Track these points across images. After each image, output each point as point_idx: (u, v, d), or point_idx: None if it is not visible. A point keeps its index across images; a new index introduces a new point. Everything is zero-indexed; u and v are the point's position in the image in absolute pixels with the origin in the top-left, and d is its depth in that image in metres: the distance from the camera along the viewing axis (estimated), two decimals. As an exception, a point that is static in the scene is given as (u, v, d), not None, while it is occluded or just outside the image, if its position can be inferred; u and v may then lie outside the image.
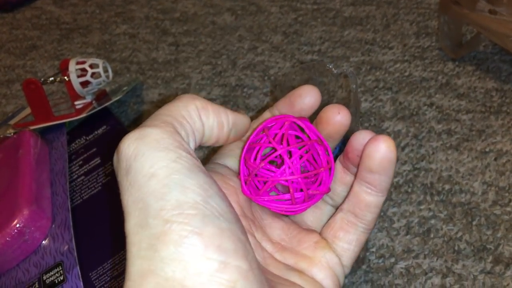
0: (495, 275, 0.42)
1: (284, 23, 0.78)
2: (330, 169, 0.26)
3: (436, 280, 0.43)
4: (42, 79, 0.59)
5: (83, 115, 0.59)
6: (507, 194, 0.48)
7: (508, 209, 0.47)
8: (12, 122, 0.62)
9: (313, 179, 0.26)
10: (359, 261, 0.45)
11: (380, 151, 0.24)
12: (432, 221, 0.47)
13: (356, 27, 0.74)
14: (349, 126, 0.39)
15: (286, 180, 0.25)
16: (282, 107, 0.28)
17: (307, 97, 0.27)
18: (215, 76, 0.70)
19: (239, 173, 0.26)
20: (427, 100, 0.59)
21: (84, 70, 0.59)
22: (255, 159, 0.26)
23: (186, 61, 0.74)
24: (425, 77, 0.63)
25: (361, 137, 0.25)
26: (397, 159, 0.53)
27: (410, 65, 0.65)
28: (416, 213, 0.48)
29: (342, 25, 0.75)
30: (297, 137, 0.27)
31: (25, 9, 0.95)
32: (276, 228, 0.26)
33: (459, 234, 0.46)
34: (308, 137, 0.26)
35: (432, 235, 0.46)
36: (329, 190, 0.27)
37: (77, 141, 0.59)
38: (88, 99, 0.62)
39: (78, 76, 0.59)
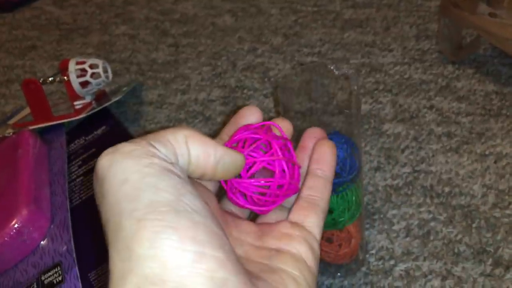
0: (495, 278, 0.42)
1: (284, 25, 0.78)
2: (299, 167, 0.28)
3: (436, 282, 0.43)
4: (42, 79, 0.59)
5: (83, 115, 0.58)
6: (506, 197, 0.48)
7: (508, 212, 0.47)
8: (11, 121, 0.62)
9: (291, 172, 0.27)
10: (359, 263, 0.45)
11: (327, 151, 0.29)
12: (432, 224, 0.47)
13: (356, 30, 0.74)
14: (350, 128, 0.39)
15: (273, 161, 0.26)
16: (229, 131, 0.29)
17: (250, 117, 0.28)
18: (215, 77, 0.70)
19: None
20: (427, 103, 0.59)
21: (83, 70, 0.59)
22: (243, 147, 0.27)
23: (186, 62, 0.74)
24: (425, 79, 0.63)
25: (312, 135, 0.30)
26: (397, 162, 0.53)
27: (410, 68, 0.65)
28: (416, 215, 0.48)
29: (342, 27, 0.75)
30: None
31: (24, 9, 0.95)
32: (251, 225, 0.27)
33: (459, 236, 0.45)
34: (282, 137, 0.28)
35: (431, 238, 0.46)
36: (298, 189, 0.28)
37: (76, 142, 0.59)
38: (88, 99, 0.62)
39: (78, 76, 0.59)
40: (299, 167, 0.28)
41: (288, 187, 0.27)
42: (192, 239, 0.18)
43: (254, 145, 0.26)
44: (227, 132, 0.29)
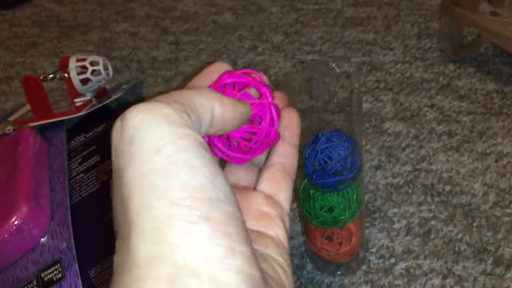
0: (496, 277, 0.42)
1: (285, 23, 0.78)
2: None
3: (436, 281, 0.43)
4: (42, 76, 0.59)
5: (83, 112, 0.58)
6: (507, 196, 0.48)
7: (509, 210, 0.47)
8: (11, 118, 0.62)
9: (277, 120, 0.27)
10: (359, 261, 0.45)
11: (295, 118, 0.28)
12: (433, 222, 0.47)
13: (357, 28, 0.73)
14: (351, 126, 0.39)
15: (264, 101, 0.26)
16: (200, 81, 0.27)
17: (214, 74, 0.27)
18: (216, 75, 0.70)
19: None
20: (428, 101, 0.59)
21: (84, 67, 0.59)
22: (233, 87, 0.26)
23: (187, 60, 0.74)
24: (426, 78, 0.63)
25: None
26: (398, 160, 0.53)
27: (411, 66, 0.65)
28: (417, 214, 0.48)
29: (343, 25, 0.75)
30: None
31: (25, 7, 0.95)
32: None
33: (460, 235, 0.45)
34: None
35: (432, 236, 0.46)
36: (279, 139, 0.28)
37: (76, 139, 0.59)
38: (88, 96, 0.62)
39: (78, 74, 0.59)
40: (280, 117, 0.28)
41: (275, 135, 0.26)
42: (223, 233, 0.18)
43: (245, 89, 0.25)
44: (198, 82, 0.27)
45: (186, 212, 0.18)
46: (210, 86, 0.26)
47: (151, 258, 0.17)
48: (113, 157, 0.20)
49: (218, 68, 0.27)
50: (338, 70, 0.37)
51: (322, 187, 0.38)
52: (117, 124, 0.19)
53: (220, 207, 0.18)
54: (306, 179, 0.39)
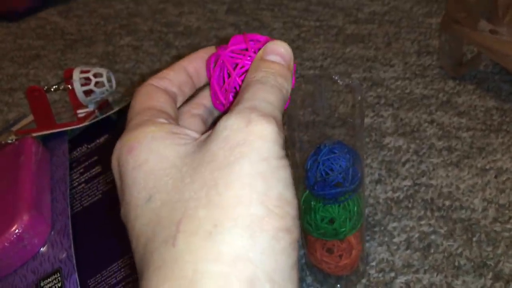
0: (496, 292, 0.42)
1: (287, 39, 0.79)
2: None
3: (436, 295, 0.42)
4: (46, 87, 0.60)
5: (85, 123, 0.59)
6: (507, 211, 0.48)
7: (509, 226, 0.47)
8: (14, 128, 0.62)
9: None
10: (359, 274, 0.45)
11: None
12: (433, 237, 0.47)
13: (358, 45, 0.74)
14: (353, 139, 0.39)
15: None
16: (190, 62, 0.27)
17: (204, 55, 0.27)
18: (218, 88, 0.70)
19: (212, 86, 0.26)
20: (428, 117, 0.60)
21: (88, 79, 0.60)
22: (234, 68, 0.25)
23: (189, 73, 0.75)
24: (426, 94, 0.63)
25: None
26: (398, 175, 0.53)
27: (411, 83, 0.65)
28: (417, 228, 0.48)
29: (344, 42, 0.76)
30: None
31: (30, 19, 0.96)
32: None
33: (459, 250, 0.45)
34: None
35: (432, 251, 0.46)
36: None
37: (78, 149, 0.59)
38: (91, 108, 0.62)
39: (82, 85, 0.59)
40: None
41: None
42: None
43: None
44: (187, 63, 0.27)
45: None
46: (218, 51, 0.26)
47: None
48: None
49: (207, 51, 0.27)
50: (341, 83, 0.37)
51: (323, 198, 0.39)
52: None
53: None
54: (308, 191, 0.40)
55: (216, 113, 0.28)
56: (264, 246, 0.18)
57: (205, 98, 0.27)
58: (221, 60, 0.25)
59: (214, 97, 0.26)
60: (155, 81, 0.25)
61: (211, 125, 0.27)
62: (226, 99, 0.25)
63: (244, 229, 0.18)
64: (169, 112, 0.24)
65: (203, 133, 0.23)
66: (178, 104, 0.26)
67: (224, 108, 0.26)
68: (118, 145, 0.22)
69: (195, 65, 0.26)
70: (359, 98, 0.35)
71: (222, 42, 0.80)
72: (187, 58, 0.27)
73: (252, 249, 0.18)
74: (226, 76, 0.25)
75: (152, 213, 0.19)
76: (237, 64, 0.25)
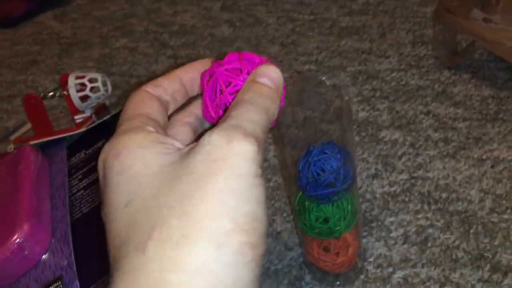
0: (493, 284, 0.42)
1: (281, 34, 0.79)
2: None
3: (434, 289, 0.43)
4: (42, 94, 0.60)
5: (83, 129, 0.59)
6: (504, 202, 0.48)
7: (505, 216, 0.47)
8: (12, 137, 0.63)
9: None
10: (357, 271, 0.45)
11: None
12: (430, 230, 0.47)
13: (353, 37, 0.74)
14: (344, 137, 0.39)
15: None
16: (186, 73, 0.28)
17: (200, 66, 0.28)
18: (214, 88, 0.70)
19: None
20: (424, 109, 0.59)
21: (83, 84, 0.60)
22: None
23: (185, 73, 0.75)
24: (421, 85, 0.63)
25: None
26: (394, 168, 0.53)
27: (407, 74, 0.65)
28: (414, 222, 0.48)
29: (339, 35, 0.75)
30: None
31: (26, 25, 0.97)
32: None
33: (457, 242, 0.46)
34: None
35: (429, 244, 0.46)
36: None
37: (77, 155, 0.59)
38: (88, 113, 0.62)
39: (77, 91, 0.60)
40: None
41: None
42: None
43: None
44: (182, 73, 0.28)
45: None
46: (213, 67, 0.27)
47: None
48: None
49: (203, 64, 0.28)
50: (328, 83, 0.37)
51: (316, 198, 0.39)
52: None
53: None
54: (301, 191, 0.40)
55: (206, 123, 0.28)
56: (227, 259, 0.19)
57: (196, 108, 0.28)
58: (215, 77, 0.26)
59: (205, 110, 0.27)
60: (150, 88, 0.26)
61: (198, 137, 0.28)
62: (216, 114, 0.26)
63: (210, 241, 0.18)
64: (159, 120, 0.25)
65: (191, 143, 0.24)
66: (170, 111, 0.27)
67: (213, 121, 0.26)
68: (107, 148, 0.23)
69: (190, 76, 0.27)
70: (347, 98, 0.35)
71: (216, 40, 0.80)
72: (183, 68, 0.28)
73: (215, 261, 0.18)
74: (218, 92, 0.26)
75: (129, 217, 0.20)
76: (230, 83, 0.26)
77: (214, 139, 0.20)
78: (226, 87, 0.26)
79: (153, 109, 0.25)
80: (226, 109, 0.26)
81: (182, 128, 0.27)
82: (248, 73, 0.26)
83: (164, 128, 0.25)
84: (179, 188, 0.20)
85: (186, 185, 0.20)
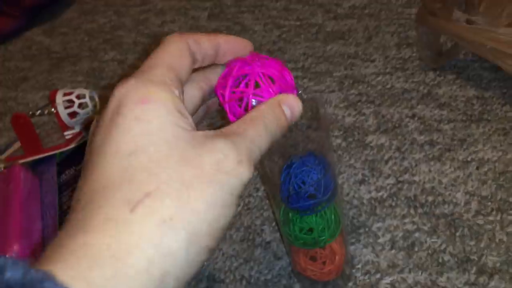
0: (479, 286, 0.42)
1: (268, 41, 0.79)
2: None
3: (421, 294, 0.43)
4: (30, 113, 0.60)
5: (72, 145, 0.60)
6: (489, 203, 0.48)
7: (491, 218, 0.47)
8: (2, 156, 0.63)
9: None
10: (346, 278, 0.45)
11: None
12: (416, 234, 0.47)
13: (339, 41, 0.75)
14: (322, 149, 0.40)
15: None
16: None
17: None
18: (202, 98, 0.71)
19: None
20: (409, 112, 0.60)
21: (71, 101, 0.60)
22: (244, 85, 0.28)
23: (173, 84, 0.75)
24: (406, 88, 0.63)
25: None
26: (381, 173, 0.54)
27: (392, 77, 0.65)
28: (401, 227, 0.48)
29: (325, 40, 0.76)
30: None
31: (16, 41, 0.97)
32: None
33: (443, 246, 0.46)
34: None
35: (416, 249, 0.46)
36: None
37: (66, 172, 0.60)
38: (77, 129, 0.63)
39: (65, 108, 0.60)
40: None
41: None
42: None
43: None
44: (224, 42, 0.29)
45: None
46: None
47: None
48: None
49: (244, 44, 0.29)
50: (305, 97, 0.38)
51: (298, 210, 0.39)
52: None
53: None
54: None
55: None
56: (191, 257, 0.21)
57: (214, 77, 0.29)
58: (249, 72, 0.28)
59: (221, 89, 0.28)
60: (191, 41, 0.26)
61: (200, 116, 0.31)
62: (229, 99, 0.28)
63: (187, 234, 0.21)
64: (184, 80, 0.26)
65: (197, 105, 0.28)
66: (193, 67, 0.28)
67: (222, 101, 0.28)
68: (133, 84, 0.23)
69: (229, 47, 0.28)
70: (323, 111, 0.36)
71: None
72: (226, 38, 0.29)
73: (185, 249, 0.21)
74: (243, 85, 0.28)
75: (127, 168, 0.21)
76: (258, 86, 0.28)
77: (228, 153, 0.22)
78: (254, 88, 0.27)
79: (185, 68, 0.25)
80: (239, 100, 0.28)
81: (196, 92, 0.28)
82: (277, 92, 0.27)
83: (182, 86, 0.26)
84: (182, 175, 0.21)
85: (189, 177, 0.21)
